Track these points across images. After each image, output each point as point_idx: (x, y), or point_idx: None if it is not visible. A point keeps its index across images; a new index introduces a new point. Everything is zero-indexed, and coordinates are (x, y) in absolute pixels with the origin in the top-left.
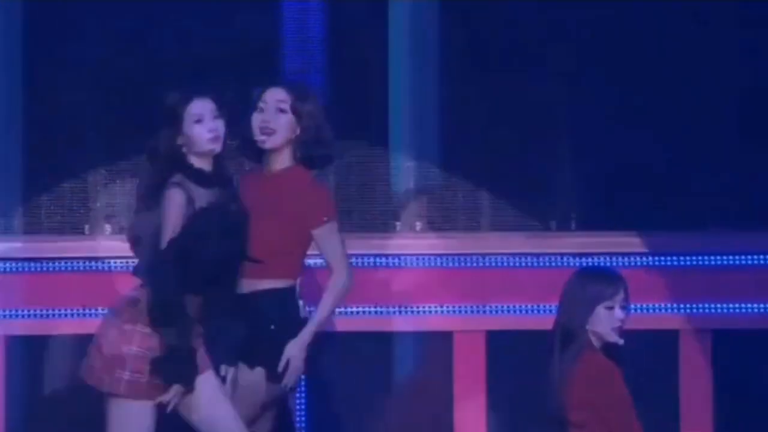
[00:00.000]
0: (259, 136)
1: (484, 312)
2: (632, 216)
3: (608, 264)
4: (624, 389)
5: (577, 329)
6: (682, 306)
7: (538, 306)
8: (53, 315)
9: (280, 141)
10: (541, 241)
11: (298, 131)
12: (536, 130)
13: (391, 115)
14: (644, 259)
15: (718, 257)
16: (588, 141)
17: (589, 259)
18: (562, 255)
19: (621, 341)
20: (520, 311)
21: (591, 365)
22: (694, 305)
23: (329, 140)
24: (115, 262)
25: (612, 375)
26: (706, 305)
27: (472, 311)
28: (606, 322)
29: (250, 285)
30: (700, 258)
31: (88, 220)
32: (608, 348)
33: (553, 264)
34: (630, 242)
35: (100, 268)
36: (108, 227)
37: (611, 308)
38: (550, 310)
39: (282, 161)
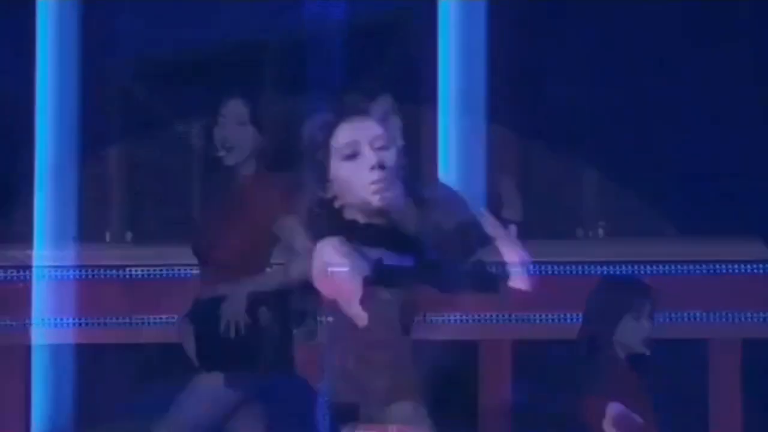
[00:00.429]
0: (219, 151)
1: (510, 321)
2: (661, 223)
3: (636, 273)
4: (648, 400)
5: (603, 339)
6: (711, 314)
7: (564, 315)
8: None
9: (241, 156)
10: (567, 248)
11: (261, 141)
12: (565, 135)
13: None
14: (672, 267)
15: (747, 265)
16: (619, 146)
17: (616, 268)
18: (588, 263)
19: (647, 352)
20: (546, 320)
21: (615, 376)
22: (724, 313)
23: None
24: (135, 270)
25: (636, 386)
26: (736, 314)
27: (497, 320)
28: (633, 332)
29: None
30: (730, 266)
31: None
32: (634, 358)
33: (580, 272)
34: (658, 250)
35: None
36: (129, 234)
37: (638, 318)
38: (576, 320)
39: (249, 170)
